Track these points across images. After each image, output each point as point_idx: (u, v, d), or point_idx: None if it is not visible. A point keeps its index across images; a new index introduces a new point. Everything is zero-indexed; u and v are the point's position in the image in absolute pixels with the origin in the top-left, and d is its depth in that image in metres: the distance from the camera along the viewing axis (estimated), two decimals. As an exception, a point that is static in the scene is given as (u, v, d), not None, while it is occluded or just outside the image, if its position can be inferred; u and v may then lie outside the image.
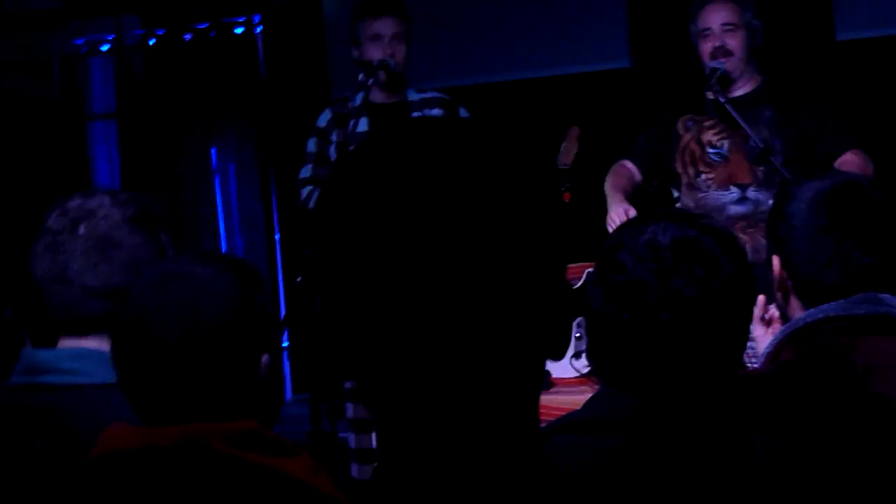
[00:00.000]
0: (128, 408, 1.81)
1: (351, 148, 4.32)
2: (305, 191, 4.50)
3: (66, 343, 2.11)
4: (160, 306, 1.71)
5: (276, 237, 7.18)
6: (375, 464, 1.10)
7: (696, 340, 1.64)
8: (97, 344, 2.08)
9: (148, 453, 1.66)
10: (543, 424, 1.48)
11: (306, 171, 4.54)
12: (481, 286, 1.03)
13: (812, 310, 2.16)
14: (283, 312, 6.96)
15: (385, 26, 4.44)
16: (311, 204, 4.47)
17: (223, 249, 7.19)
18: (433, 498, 1.05)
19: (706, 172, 4.25)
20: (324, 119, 4.58)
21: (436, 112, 4.52)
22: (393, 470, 1.07)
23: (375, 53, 4.42)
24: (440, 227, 1.02)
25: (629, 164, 4.42)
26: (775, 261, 2.24)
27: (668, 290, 1.63)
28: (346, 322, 1.07)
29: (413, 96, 4.56)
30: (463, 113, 4.60)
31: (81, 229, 2.08)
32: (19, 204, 6.27)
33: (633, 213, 4.07)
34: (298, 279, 4.59)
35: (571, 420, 1.68)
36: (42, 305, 2.11)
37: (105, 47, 7.47)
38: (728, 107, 4.11)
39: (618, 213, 4.12)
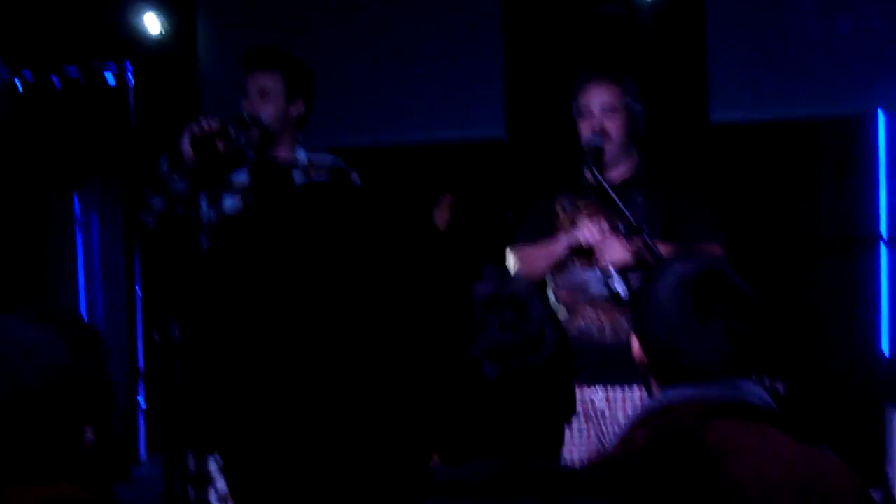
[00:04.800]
0: None
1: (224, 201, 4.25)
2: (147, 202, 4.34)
3: None
4: None
5: (137, 292, 7.01)
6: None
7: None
8: None
9: None
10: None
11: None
12: (357, 369, 0.96)
13: (668, 391, 2.18)
14: (141, 369, 6.79)
15: (266, 80, 4.35)
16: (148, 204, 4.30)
17: (82, 302, 6.98)
18: None
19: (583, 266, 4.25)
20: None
21: (323, 177, 4.42)
22: None
23: (253, 107, 4.33)
24: (314, 304, 0.96)
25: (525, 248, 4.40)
26: (634, 342, 2.27)
27: (487, 341, 1.69)
28: (210, 396, 0.99)
29: (301, 155, 4.45)
30: (355, 178, 4.51)
31: None
32: None
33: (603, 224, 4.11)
34: (155, 336, 4.47)
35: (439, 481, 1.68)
36: None
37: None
38: (605, 185, 4.11)
39: (588, 228, 4.14)
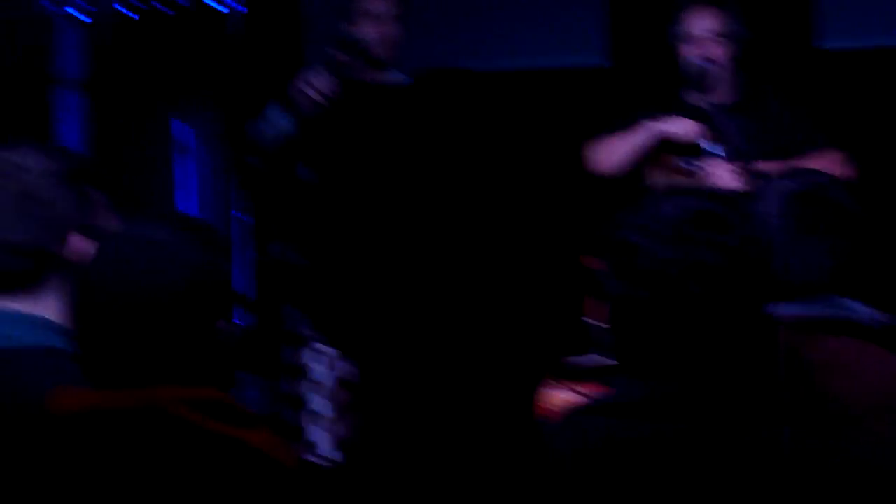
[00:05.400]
0: (57, 372, 1.78)
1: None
2: (254, 129, 4.43)
3: None
4: (119, 270, 1.68)
5: (235, 214, 7.09)
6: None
7: (724, 310, 1.61)
8: (21, 304, 1.99)
9: (104, 416, 1.63)
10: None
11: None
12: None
13: (772, 308, 2.17)
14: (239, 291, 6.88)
15: (377, 4, 4.37)
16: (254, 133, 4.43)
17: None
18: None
19: (674, 178, 4.21)
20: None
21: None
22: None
23: (360, 30, 4.34)
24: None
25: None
26: None
27: (691, 260, 1.60)
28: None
29: (397, 77, 4.47)
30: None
31: (3, 184, 1.98)
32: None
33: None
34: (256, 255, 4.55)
35: (593, 405, 1.68)
36: None
37: (76, 14, 7.36)
38: (708, 108, 4.07)
39: (678, 121, 4.10)
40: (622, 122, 4.32)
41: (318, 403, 4.30)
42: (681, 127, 4.11)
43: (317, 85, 4.20)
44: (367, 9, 4.34)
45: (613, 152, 4.25)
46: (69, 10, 7.29)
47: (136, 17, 7.18)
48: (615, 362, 1.69)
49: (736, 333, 1.63)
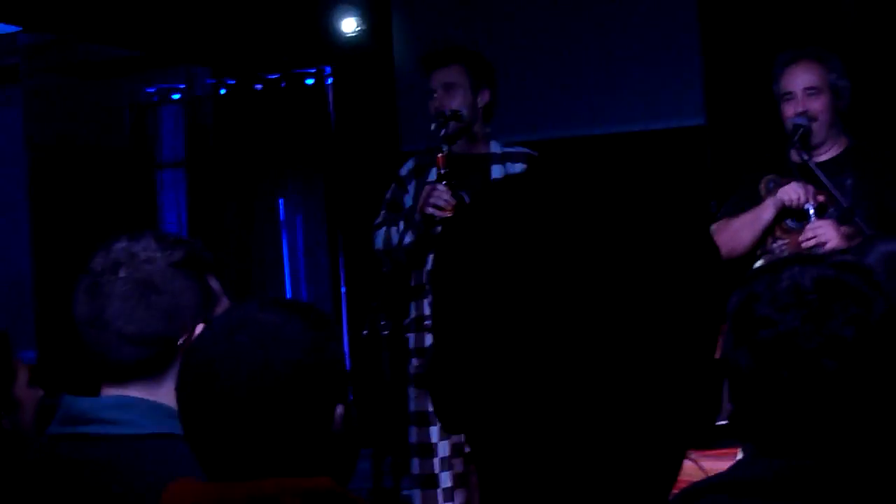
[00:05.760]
0: (176, 460, 1.76)
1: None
2: (376, 235, 4.46)
3: (109, 391, 2.03)
4: (228, 356, 1.63)
5: (342, 290, 7.15)
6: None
7: (861, 386, 1.55)
8: (142, 392, 2.01)
9: None
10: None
11: (379, 217, 4.50)
12: (618, 351, 0.91)
13: None
14: (347, 365, 6.90)
15: (449, 75, 4.40)
16: (379, 244, 4.41)
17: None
18: None
19: (781, 238, 4.13)
20: (406, 168, 4.54)
21: (518, 167, 4.44)
22: None
23: (441, 102, 4.37)
24: (572, 282, 0.91)
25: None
26: None
27: (826, 334, 1.54)
28: (463, 374, 0.96)
29: (496, 148, 4.49)
30: None
31: (122, 272, 1.99)
32: (87, 252, 6.27)
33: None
34: (364, 332, 4.54)
35: (716, 482, 1.60)
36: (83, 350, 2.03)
37: (176, 96, 7.52)
38: (812, 166, 4.01)
39: (793, 188, 4.04)
40: (726, 184, 4.27)
41: (445, 478, 4.29)
42: (796, 193, 4.04)
43: (443, 203, 4.21)
44: (444, 81, 4.38)
45: (740, 234, 4.17)
46: (170, 94, 7.46)
47: (228, 93, 7.31)
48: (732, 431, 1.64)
49: (872, 411, 1.56)
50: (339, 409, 1.70)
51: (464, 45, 4.64)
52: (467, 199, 4.02)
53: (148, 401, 2.00)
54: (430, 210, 4.20)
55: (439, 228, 4.21)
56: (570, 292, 0.91)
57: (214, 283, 2.08)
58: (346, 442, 1.73)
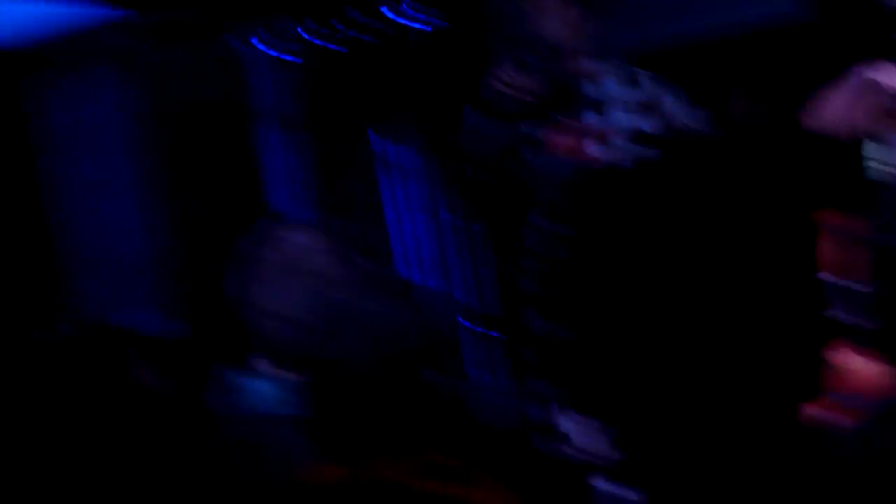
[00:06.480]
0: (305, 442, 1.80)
1: None
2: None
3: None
4: (355, 343, 1.71)
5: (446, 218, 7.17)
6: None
7: None
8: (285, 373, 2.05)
9: (353, 488, 1.64)
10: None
11: None
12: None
13: None
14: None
15: None
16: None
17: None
18: None
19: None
20: None
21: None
22: None
23: (531, 26, 4.34)
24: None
25: None
26: None
27: None
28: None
29: (593, 65, 4.44)
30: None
31: (274, 254, 2.03)
32: (194, 209, 6.42)
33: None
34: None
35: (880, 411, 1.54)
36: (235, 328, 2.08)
37: (279, 51, 7.59)
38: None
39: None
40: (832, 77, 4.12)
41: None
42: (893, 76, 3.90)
43: (515, 82, 4.16)
44: (542, 4, 4.33)
45: (834, 108, 4.05)
46: (259, 46, 7.53)
47: (331, 47, 7.35)
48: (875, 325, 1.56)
49: None
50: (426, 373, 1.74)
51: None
52: None
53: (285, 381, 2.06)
54: (501, 87, 4.19)
55: None
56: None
57: (364, 265, 2.14)
58: (457, 413, 1.80)
